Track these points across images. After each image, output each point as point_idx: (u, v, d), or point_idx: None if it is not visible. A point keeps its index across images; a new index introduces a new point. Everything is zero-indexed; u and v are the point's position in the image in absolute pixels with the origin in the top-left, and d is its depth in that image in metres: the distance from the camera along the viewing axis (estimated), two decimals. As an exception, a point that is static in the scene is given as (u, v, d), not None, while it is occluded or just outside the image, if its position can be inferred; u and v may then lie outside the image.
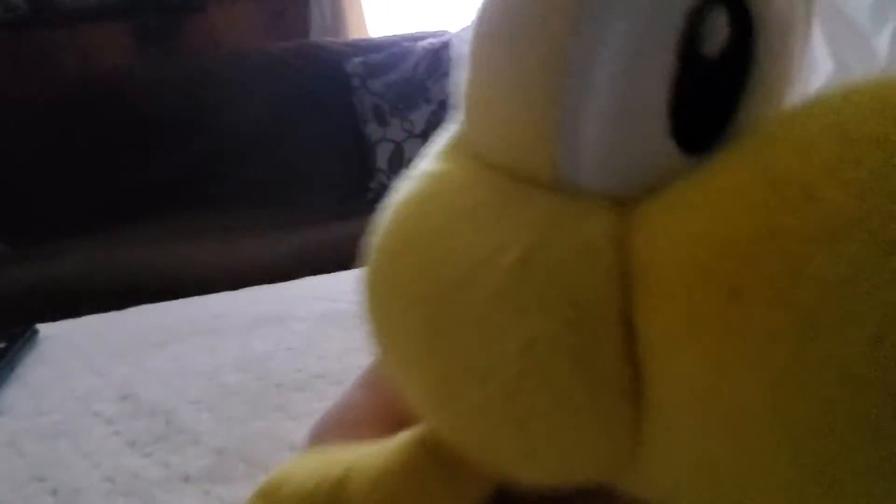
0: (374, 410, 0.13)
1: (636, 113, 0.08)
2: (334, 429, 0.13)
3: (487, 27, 0.09)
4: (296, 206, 1.08)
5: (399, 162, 1.16)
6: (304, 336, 0.34)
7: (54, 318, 0.54)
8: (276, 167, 1.14)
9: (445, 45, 1.21)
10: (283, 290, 0.46)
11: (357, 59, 1.22)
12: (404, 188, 0.10)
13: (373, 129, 1.19)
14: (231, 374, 0.30)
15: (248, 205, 1.08)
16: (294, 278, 0.49)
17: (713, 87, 0.08)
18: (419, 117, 1.19)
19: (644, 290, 0.07)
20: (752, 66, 0.08)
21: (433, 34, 1.28)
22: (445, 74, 1.20)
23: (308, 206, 1.08)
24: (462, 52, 0.09)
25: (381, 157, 1.18)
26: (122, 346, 0.37)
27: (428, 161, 0.10)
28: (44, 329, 0.42)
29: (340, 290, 0.41)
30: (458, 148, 0.10)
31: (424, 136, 1.18)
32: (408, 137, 1.19)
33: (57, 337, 0.40)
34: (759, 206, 0.07)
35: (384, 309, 0.10)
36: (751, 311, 0.06)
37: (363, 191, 1.14)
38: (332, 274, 0.50)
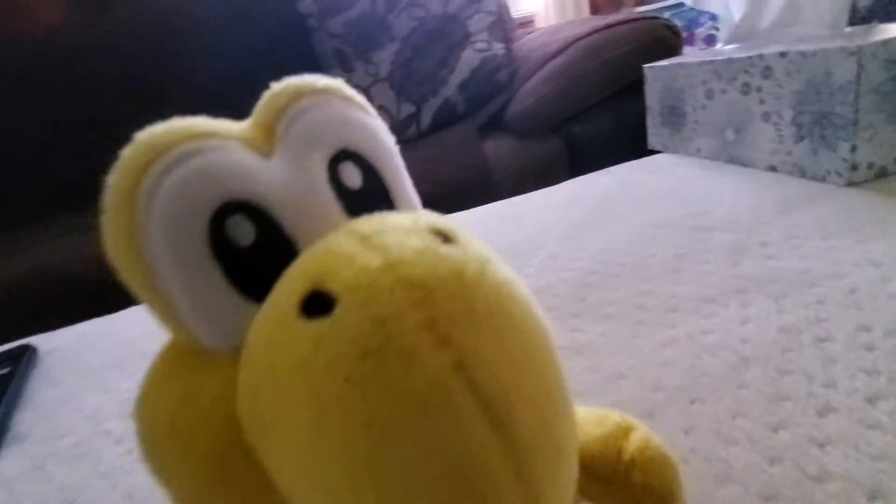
0: None
1: (208, 298, 0.11)
2: None
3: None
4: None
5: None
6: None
7: (44, 312, 0.57)
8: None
9: (402, -23, 1.13)
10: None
11: (308, -2, 1.14)
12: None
13: (337, 76, 1.14)
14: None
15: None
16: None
17: (264, 259, 0.11)
18: (382, 60, 1.14)
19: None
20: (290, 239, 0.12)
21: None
22: (407, 6, 1.13)
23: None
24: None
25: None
26: (119, 358, 0.40)
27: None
28: (40, 342, 0.45)
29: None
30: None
31: (390, 79, 1.14)
32: (373, 83, 1.15)
33: (55, 352, 0.43)
34: (249, 385, 0.10)
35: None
36: (271, 432, 0.10)
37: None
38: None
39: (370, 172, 0.13)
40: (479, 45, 1.12)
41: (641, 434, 0.15)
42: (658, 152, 0.66)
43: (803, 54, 0.42)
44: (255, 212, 0.11)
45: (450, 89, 1.12)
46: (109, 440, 0.31)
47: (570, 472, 0.10)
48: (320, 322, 0.09)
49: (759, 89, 0.48)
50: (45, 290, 0.76)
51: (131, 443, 0.30)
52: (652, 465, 0.14)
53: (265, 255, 0.11)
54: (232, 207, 0.11)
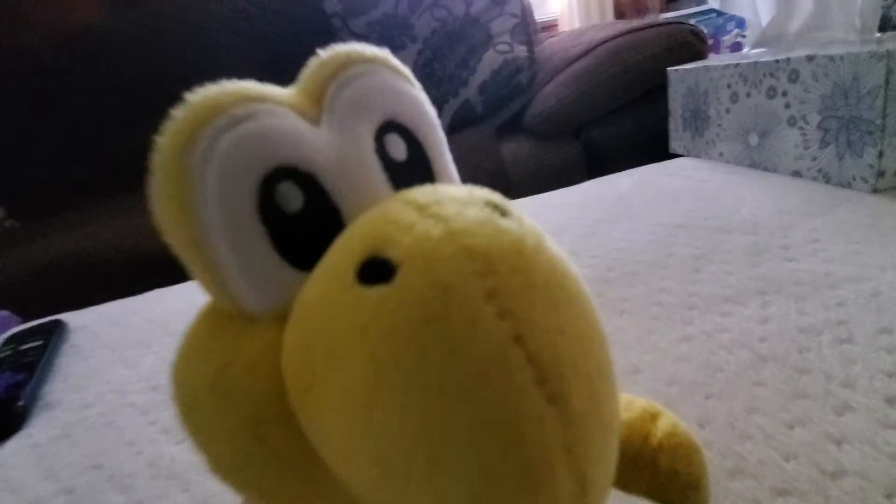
0: None
1: (253, 262, 0.11)
2: None
3: None
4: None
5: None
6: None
7: (73, 295, 0.59)
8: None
9: (427, -22, 1.14)
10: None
11: (334, -3, 1.16)
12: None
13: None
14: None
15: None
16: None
17: (309, 227, 0.11)
18: (404, 60, 1.15)
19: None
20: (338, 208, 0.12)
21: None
22: (430, 7, 1.15)
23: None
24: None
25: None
26: (145, 336, 0.41)
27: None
28: (70, 319, 0.47)
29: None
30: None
31: (412, 79, 1.15)
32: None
33: (84, 328, 0.44)
34: (299, 349, 0.10)
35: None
36: (322, 396, 0.09)
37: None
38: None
39: (414, 145, 0.13)
40: (501, 48, 1.12)
41: (669, 419, 0.15)
42: (679, 156, 0.66)
43: (831, 58, 0.42)
44: (302, 178, 0.11)
45: (470, 90, 1.13)
46: (135, 411, 0.32)
47: (614, 452, 0.10)
48: (381, 288, 0.09)
49: (785, 93, 0.48)
50: (74, 274, 0.78)
51: (156, 414, 0.31)
52: (680, 451, 0.14)
53: (310, 222, 0.11)
54: (281, 172, 0.11)
